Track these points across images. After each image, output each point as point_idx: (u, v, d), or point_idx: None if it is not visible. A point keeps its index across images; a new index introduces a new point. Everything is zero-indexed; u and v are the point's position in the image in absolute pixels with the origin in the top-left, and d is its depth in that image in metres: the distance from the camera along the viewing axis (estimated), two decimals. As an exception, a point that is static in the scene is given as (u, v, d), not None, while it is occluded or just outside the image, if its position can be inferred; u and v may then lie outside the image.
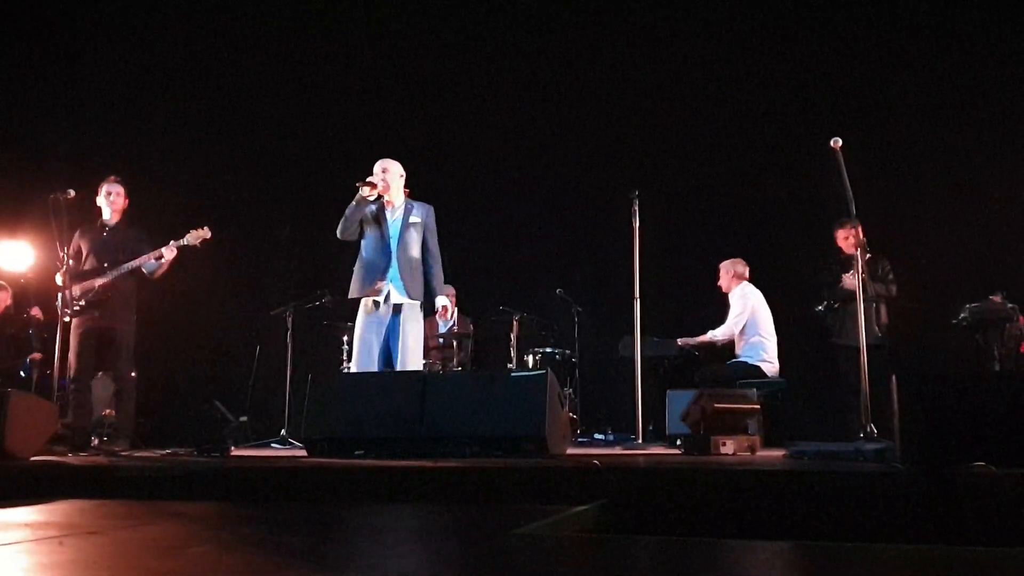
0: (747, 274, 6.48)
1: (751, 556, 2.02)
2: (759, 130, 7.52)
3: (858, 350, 5.64)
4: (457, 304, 7.80)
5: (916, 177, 6.88)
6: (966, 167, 6.80)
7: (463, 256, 8.30)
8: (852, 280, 5.72)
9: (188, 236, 5.43)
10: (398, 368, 4.94)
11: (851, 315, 5.77)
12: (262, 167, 8.50)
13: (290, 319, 6.82)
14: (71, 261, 5.48)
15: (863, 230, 5.90)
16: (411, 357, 4.95)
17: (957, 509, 2.62)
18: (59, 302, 5.38)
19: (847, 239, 5.97)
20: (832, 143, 4.47)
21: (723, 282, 6.54)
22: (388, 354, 5.05)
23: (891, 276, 5.97)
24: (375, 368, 4.96)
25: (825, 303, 6.11)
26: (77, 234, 5.52)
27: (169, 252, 5.37)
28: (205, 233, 5.45)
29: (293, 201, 8.42)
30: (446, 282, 7.70)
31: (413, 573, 1.81)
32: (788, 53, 7.47)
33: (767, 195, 7.45)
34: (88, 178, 5.83)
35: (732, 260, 6.53)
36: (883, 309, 5.93)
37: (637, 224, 5.42)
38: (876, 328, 5.87)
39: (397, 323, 4.98)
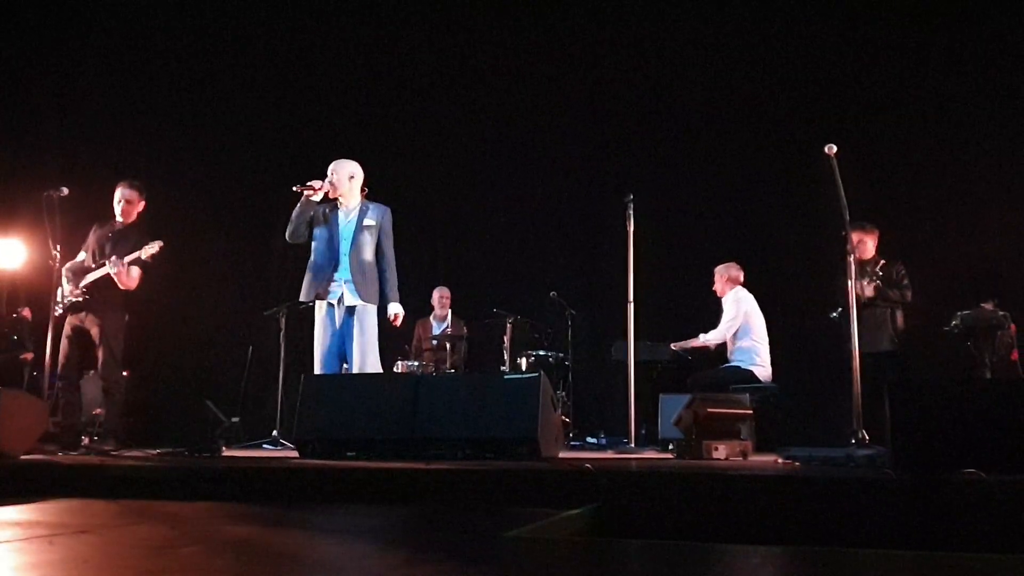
0: (741, 278, 6.49)
1: (742, 561, 2.02)
2: (754, 135, 7.54)
3: (873, 356, 5.70)
4: (451, 306, 7.81)
5: (909, 184, 6.90)
6: (958, 175, 6.82)
7: (457, 258, 8.34)
8: (866, 286, 5.74)
9: (140, 251, 5.35)
10: (354, 370, 4.89)
11: (865, 321, 5.76)
12: (255, 167, 8.48)
13: (283, 319, 6.80)
14: (83, 254, 5.48)
15: (879, 235, 5.92)
16: (369, 360, 4.88)
17: (947, 515, 2.63)
18: (57, 299, 5.37)
19: (860, 243, 5.95)
20: (826, 149, 4.47)
21: (717, 286, 6.54)
22: (343, 356, 5.00)
23: (906, 282, 5.89)
24: (334, 370, 4.94)
25: (840, 309, 6.07)
26: (92, 229, 5.52)
27: (111, 266, 5.26)
28: (153, 248, 5.34)
29: (288, 201, 8.39)
30: (443, 284, 7.78)
31: (404, 575, 1.80)
32: (783, 58, 7.50)
33: (761, 200, 7.48)
34: (82, 175, 5.83)
35: (727, 264, 6.54)
36: (899, 315, 5.87)
37: (631, 228, 5.42)
38: (892, 334, 5.83)
39: (351, 325, 4.90)
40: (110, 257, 5.31)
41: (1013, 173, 6.71)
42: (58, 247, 5.29)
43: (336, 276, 4.94)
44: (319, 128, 8.46)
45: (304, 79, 8.60)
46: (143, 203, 5.60)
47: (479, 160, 8.37)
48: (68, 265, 5.44)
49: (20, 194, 6.74)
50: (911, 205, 6.74)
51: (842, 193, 4.44)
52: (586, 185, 8.00)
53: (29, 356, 6.92)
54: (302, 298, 5.04)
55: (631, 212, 5.44)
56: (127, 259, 5.29)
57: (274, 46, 8.57)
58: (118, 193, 5.53)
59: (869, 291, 5.73)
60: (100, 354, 5.31)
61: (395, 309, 5.09)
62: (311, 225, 5.05)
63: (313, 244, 5.08)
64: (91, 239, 5.52)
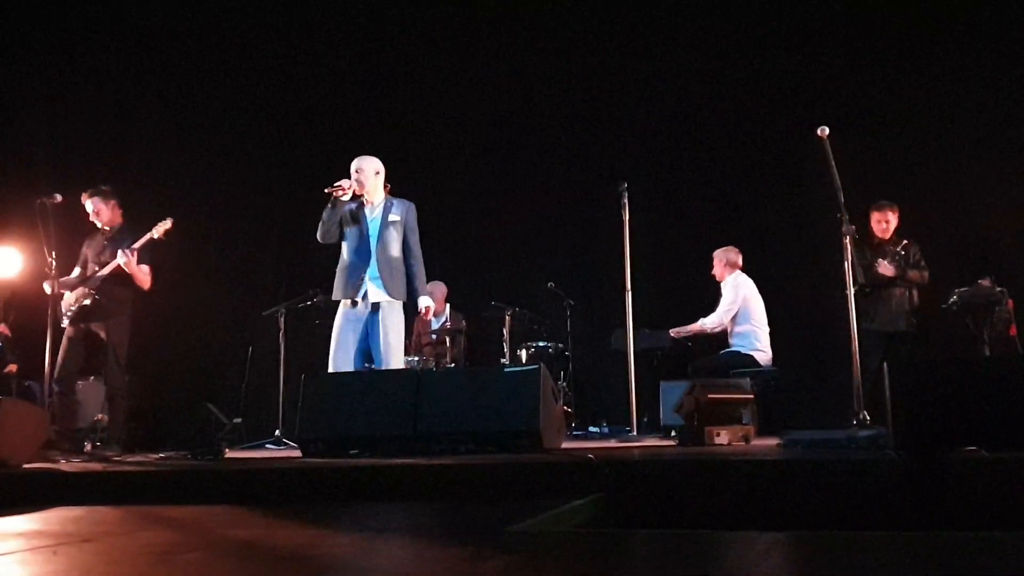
0: (740, 262, 6.49)
1: (747, 547, 2.02)
2: (747, 120, 7.51)
3: (889, 335, 5.77)
4: (449, 300, 7.79)
5: (903, 163, 6.89)
6: (953, 152, 6.81)
7: (454, 252, 8.31)
8: (887, 266, 5.77)
9: (153, 230, 5.40)
10: (380, 368, 4.93)
11: (884, 301, 5.82)
12: (253, 168, 8.46)
13: (282, 319, 6.79)
14: (77, 268, 5.50)
15: (898, 215, 5.95)
16: (393, 356, 4.92)
17: (949, 494, 2.64)
18: (61, 308, 5.39)
19: (880, 223, 5.97)
20: (819, 132, 4.47)
21: (716, 270, 6.54)
22: (367, 353, 5.04)
23: (923, 263, 5.96)
24: (351, 368, 4.96)
25: (857, 286, 6.08)
26: (84, 243, 5.55)
27: (121, 258, 5.30)
28: (167, 224, 5.42)
29: (284, 201, 8.39)
30: (439, 278, 7.76)
31: (409, 572, 1.80)
32: (775, 42, 7.47)
33: (756, 184, 7.46)
34: (75, 182, 5.79)
35: (725, 248, 6.54)
36: (915, 295, 5.93)
37: (627, 216, 5.42)
38: (909, 313, 5.87)
39: (376, 321, 4.94)
40: (102, 258, 5.34)
41: (1007, 149, 6.70)
42: (53, 254, 5.28)
43: (366, 273, 4.97)
44: (312, 126, 8.43)
45: (297, 78, 8.55)
46: (114, 203, 5.61)
47: (472, 153, 8.35)
48: (63, 280, 5.44)
49: (14, 201, 6.71)
50: (906, 183, 6.72)
51: (836, 175, 4.44)
52: (580, 174, 7.98)
53: (14, 368, 6.91)
54: (335, 296, 5.07)
55: (626, 200, 5.44)
56: (136, 244, 5.33)
57: (267, 46, 8.52)
58: (90, 206, 5.55)
59: (889, 271, 5.77)
60: (107, 361, 5.32)
61: (425, 302, 5.18)
62: (341, 225, 5.06)
63: (344, 243, 5.10)
64: (85, 252, 5.53)
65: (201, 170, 8.32)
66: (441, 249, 8.35)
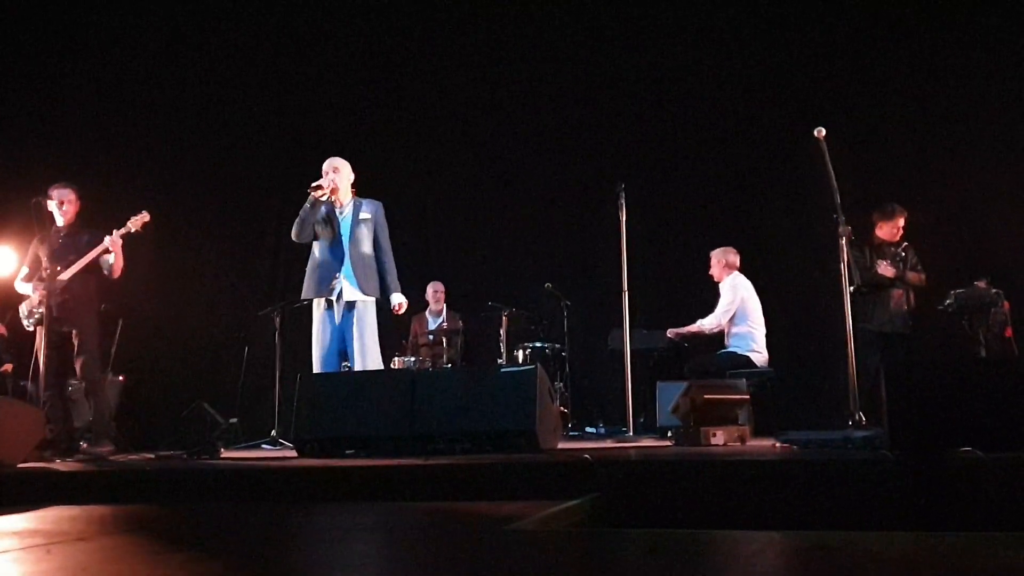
0: (738, 263, 6.48)
1: (743, 547, 2.02)
2: (744, 120, 7.52)
3: (884, 336, 5.80)
4: (446, 300, 7.80)
5: (900, 164, 6.90)
6: (950, 154, 6.82)
7: (451, 252, 8.32)
8: (888, 267, 5.81)
9: (129, 223, 5.39)
10: (356, 367, 4.94)
11: (881, 302, 5.86)
12: (249, 167, 8.45)
13: (278, 319, 6.78)
14: (27, 270, 5.45)
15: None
16: (369, 355, 4.94)
17: (945, 494, 2.64)
18: (22, 311, 5.36)
19: (902, 229, 5.98)
20: (816, 133, 4.47)
21: (714, 271, 6.54)
22: (344, 353, 5.06)
23: (920, 266, 6.00)
24: (330, 369, 4.96)
25: (854, 286, 6.09)
26: (35, 243, 5.45)
27: (110, 242, 5.29)
28: (144, 216, 5.43)
29: (280, 201, 8.38)
30: (437, 278, 7.77)
31: (406, 572, 1.80)
32: (772, 42, 7.48)
33: (753, 185, 7.47)
34: (71, 181, 5.77)
35: (723, 249, 6.53)
36: (912, 296, 5.96)
37: (624, 217, 5.42)
38: (907, 315, 5.91)
39: (351, 321, 4.97)
40: (71, 259, 5.30)
41: (1004, 150, 6.71)
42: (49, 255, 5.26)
43: (338, 272, 4.99)
44: (308, 126, 8.43)
45: (292, 78, 8.56)
46: (77, 199, 5.60)
47: (470, 153, 8.35)
48: (21, 279, 5.41)
49: (9, 201, 6.69)
50: (902, 185, 6.73)
51: (833, 176, 4.44)
52: (577, 175, 7.98)
53: (9, 368, 6.88)
54: (305, 296, 5.08)
55: (623, 201, 5.44)
56: (118, 232, 5.32)
57: (262, 47, 8.52)
58: (60, 197, 5.48)
59: (890, 271, 5.80)
60: (80, 357, 5.29)
61: (398, 299, 5.21)
62: (313, 225, 5.09)
63: (315, 243, 5.13)
64: (39, 251, 5.39)
65: (198, 170, 8.31)
66: (438, 249, 8.37)
